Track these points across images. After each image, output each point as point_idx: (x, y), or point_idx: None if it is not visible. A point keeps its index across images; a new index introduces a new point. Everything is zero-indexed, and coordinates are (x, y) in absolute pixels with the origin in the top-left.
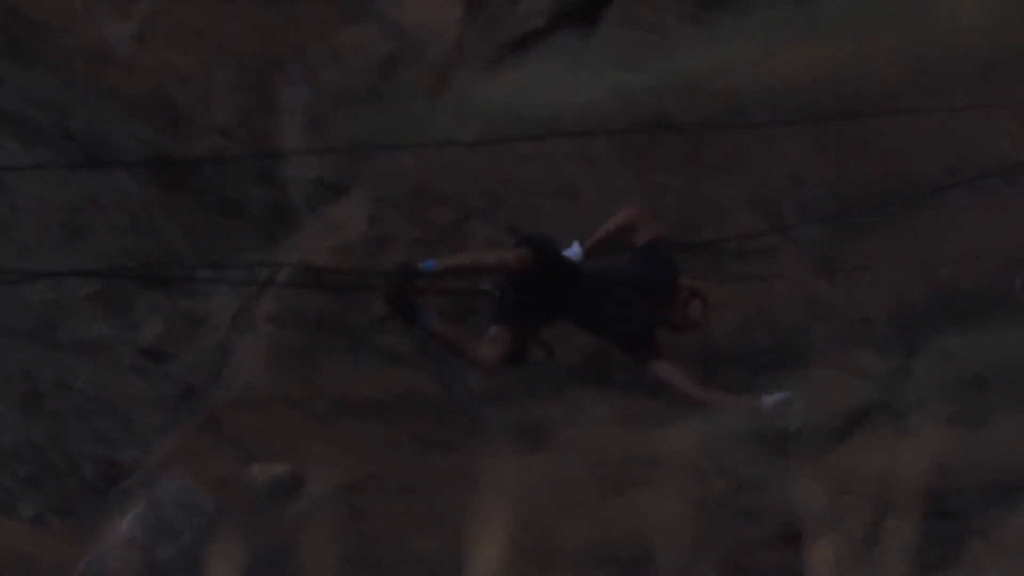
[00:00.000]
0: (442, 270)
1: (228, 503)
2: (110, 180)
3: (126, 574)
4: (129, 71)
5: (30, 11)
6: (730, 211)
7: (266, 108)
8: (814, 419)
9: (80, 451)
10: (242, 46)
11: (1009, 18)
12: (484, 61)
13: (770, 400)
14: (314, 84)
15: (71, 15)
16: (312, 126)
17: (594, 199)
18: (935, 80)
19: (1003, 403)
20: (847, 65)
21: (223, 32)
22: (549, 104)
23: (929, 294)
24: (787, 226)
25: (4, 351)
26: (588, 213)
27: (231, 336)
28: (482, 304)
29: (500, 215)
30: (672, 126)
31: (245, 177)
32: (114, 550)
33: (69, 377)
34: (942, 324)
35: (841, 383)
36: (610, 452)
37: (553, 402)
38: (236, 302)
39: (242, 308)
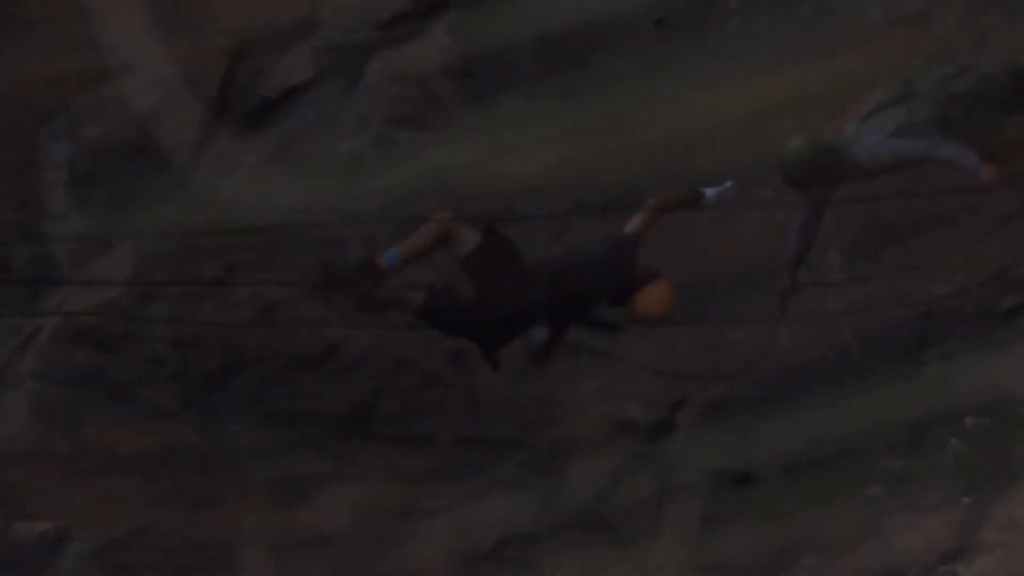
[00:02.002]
0: (405, 258)
1: None
2: None
3: None
4: None
5: None
6: None
7: (29, 163)
8: None
9: None
10: (5, 99)
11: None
12: (247, 116)
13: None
14: (77, 139)
15: None
16: (75, 181)
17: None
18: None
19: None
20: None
21: None
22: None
23: (696, 341)
24: None
25: None
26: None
27: None
28: None
29: (267, 268)
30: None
31: (7, 233)
32: None
33: None
34: (711, 379)
35: (609, 435)
36: (376, 507)
37: (319, 456)
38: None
39: (5, 364)
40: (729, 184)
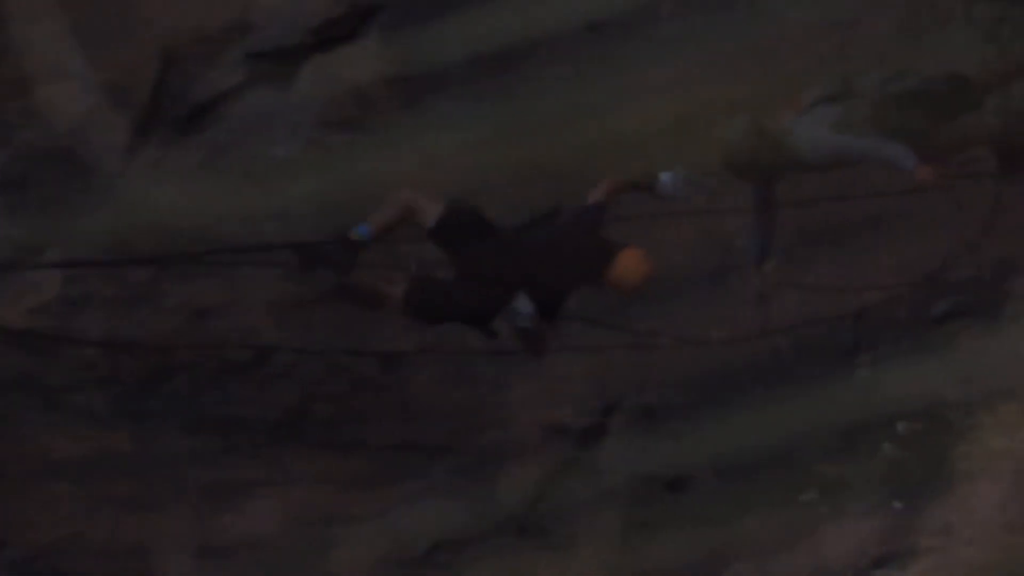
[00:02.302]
0: (375, 231)
1: None
2: None
3: None
4: None
5: None
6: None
7: None
8: None
9: None
10: None
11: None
12: (178, 121)
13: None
14: (8, 144)
15: None
16: (5, 187)
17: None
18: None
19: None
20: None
21: None
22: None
23: (628, 346)
24: None
25: None
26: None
27: None
28: None
29: (197, 275)
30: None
31: None
32: None
33: None
34: (643, 384)
35: (541, 440)
36: (307, 512)
37: (252, 460)
38: None
39: None
40: (682, 171)
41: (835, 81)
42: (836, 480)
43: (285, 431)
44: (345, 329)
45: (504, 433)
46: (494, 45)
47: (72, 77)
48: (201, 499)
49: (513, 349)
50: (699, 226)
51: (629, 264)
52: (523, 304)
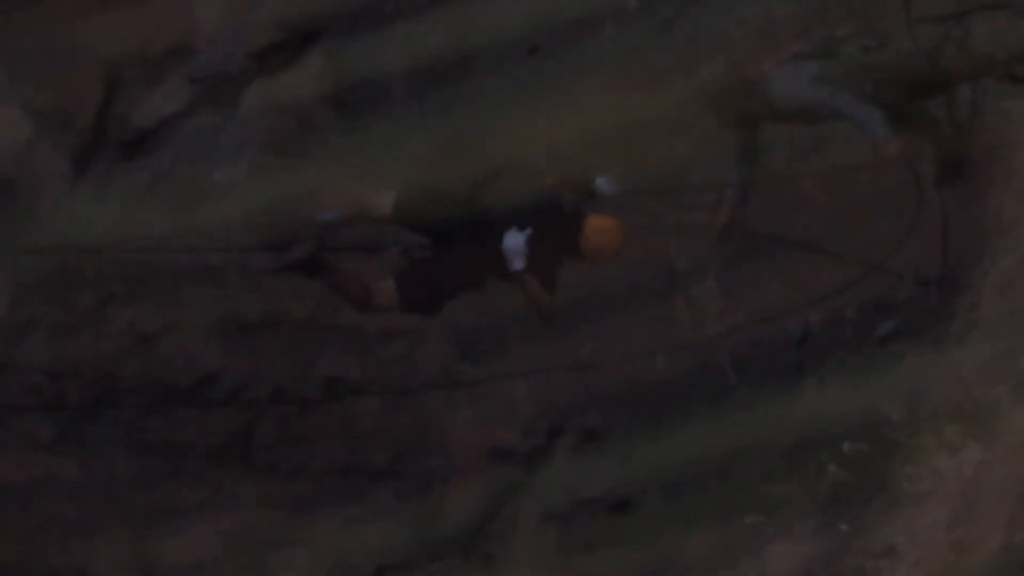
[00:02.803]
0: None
1: None
2: None
3: None
4: None
5: None
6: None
7: None
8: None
9: None
10: None
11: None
12: (122, 145)
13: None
14: None
15: None
16: None
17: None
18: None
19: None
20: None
21: None
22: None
23: (572, 370)
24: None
25: None
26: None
27: None
28: None
29: (141, 299)
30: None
31: None
32: None
33: None
34: (587, 406)
35: (485, 463)
36: (251, 536)
37: (195, 485)
38: None
39: None
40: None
41: (818, 39)
42: (781, 500)
43: (229, 455)
44: (289, 353)
45: (448, 456)
46: (435, 67)
47: (17, 102)
48: (145, 523)
49: (456, 374)
50: (641, 247)
51: (601, 229)
52: (512, 240)
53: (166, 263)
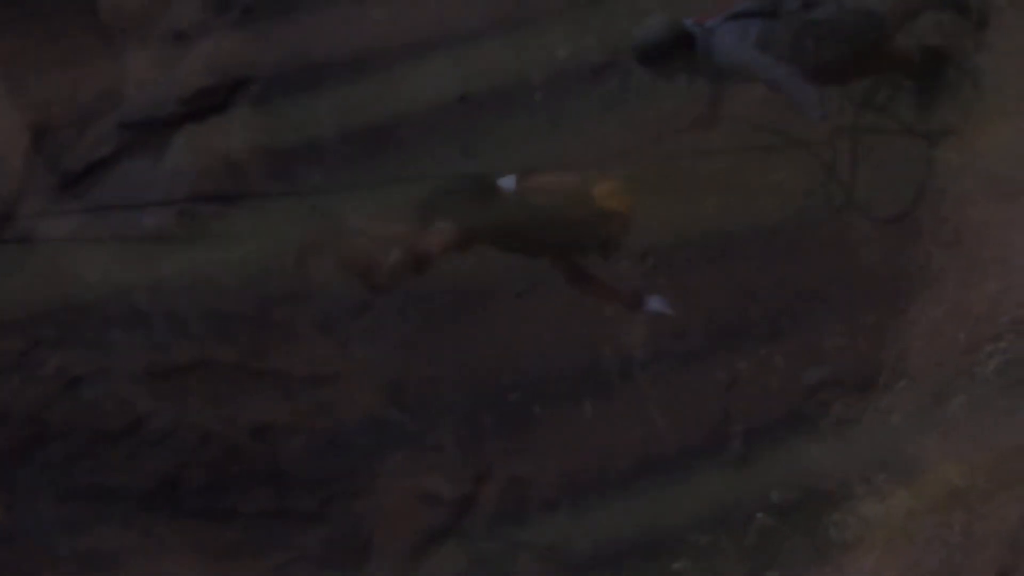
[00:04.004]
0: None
1: None
2: None
3: None
4: None
5: None
6: (296, 335)
7: None
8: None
9: None
10: None
11: None
12: (51, 190)
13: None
14: None
15: None
16: None
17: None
18: None
19: None
20: None
21: None
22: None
23: (501, 417)
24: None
25: None
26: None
27: None
28: None
29: (71, 342)
30: None
31: None
32: None
33: None
34: (515, 453)
35: (413, 509)
36: None
37: (124, 529)
38: None
39: None
40: None
41: None
42: (709, 549)
43: (158, 500)
44: (218, 398)
45: (376, 502)
46: (367, 116)
47: None
48: (74, 568)
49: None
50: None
51: (609, 190)
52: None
53: (95, 307)
